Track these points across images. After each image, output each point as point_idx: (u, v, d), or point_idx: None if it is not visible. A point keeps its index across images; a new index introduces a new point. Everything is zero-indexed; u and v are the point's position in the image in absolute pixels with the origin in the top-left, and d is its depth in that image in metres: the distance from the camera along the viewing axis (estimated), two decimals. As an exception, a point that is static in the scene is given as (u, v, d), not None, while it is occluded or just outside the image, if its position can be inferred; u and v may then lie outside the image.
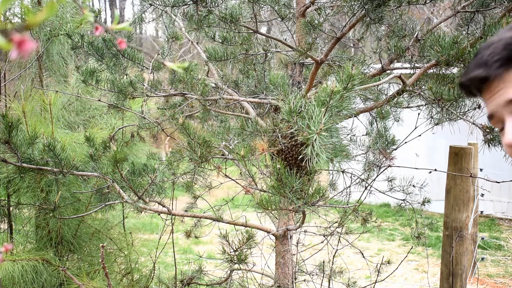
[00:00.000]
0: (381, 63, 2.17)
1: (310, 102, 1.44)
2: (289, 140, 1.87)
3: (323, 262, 2.79)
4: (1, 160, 2.03)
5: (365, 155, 2.72)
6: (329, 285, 2.77)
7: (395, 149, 2.58)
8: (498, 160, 2.13)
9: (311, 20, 2.05)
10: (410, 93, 2.26)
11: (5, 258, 2.43)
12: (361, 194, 2.65)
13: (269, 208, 1.69)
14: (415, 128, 2.52)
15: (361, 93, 2.47)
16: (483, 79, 0.82)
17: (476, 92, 0.87)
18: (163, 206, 2.15)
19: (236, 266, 2.35)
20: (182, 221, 3.22)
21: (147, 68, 2.46)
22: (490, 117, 0.87)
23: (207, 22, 2.16)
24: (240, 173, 2.17)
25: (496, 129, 0.88)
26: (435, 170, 2.34)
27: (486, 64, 0.81)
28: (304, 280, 2.83)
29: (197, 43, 2.74)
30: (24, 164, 2.06)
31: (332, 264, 2.78)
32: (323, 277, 2.76)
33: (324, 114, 1.36)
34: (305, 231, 2.83)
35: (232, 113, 2.59)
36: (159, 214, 2.39)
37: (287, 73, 2.53)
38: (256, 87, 2.66)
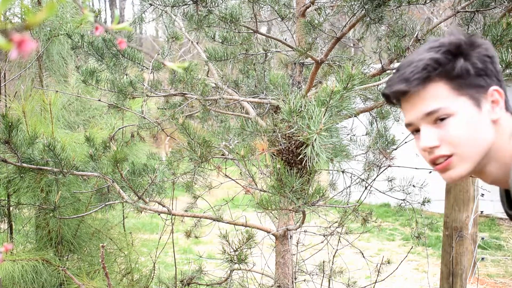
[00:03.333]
0: (381, 63, 2.17)
1: (310, 102, 1.44)
2: (289, 140, 1.87)
3: (323, 262, 2.79)
4: (1, 160, 2.03)
5: (365, 155, 2.72)
6: (329, 285, 2.77)
7: (395, 149, 2.58)
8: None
9: (311, 20, 2.05)
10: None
11: (5, 258, 2.43)
12: (361, 194, 2.65)
13: (269, 208, 1.69)
14: (415, 128, 2.52)
15: (361, 93, 2.47)
16: (404, 93, 0.96)
17: (396, 103, 1.01)
18: (163, 206, 2.15)
19: (236, 266, 2.35)
20: (182, 221, 3.22)
21: (147, 68, 2.46)
22: (408, 125, 1.00)
23: (207, 22, 2.16)
24: (240, 173, 2.17)
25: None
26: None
27: (408, 81, 0.94)
28: (304, 280, 2.83)
29: (197, 43, 2.74)
30: (24, 164, 2.05)
31: (332, 264, 2.78)
32: (323, 277, 2.76)
33: (324, 114, 1.36)
34: (305, 231, 2.83)
35: (232, 113, 2.59)
36: (159, 214, 2.39)
37: (287, 73, 2.53)
38: (256, 87, 2.66)
